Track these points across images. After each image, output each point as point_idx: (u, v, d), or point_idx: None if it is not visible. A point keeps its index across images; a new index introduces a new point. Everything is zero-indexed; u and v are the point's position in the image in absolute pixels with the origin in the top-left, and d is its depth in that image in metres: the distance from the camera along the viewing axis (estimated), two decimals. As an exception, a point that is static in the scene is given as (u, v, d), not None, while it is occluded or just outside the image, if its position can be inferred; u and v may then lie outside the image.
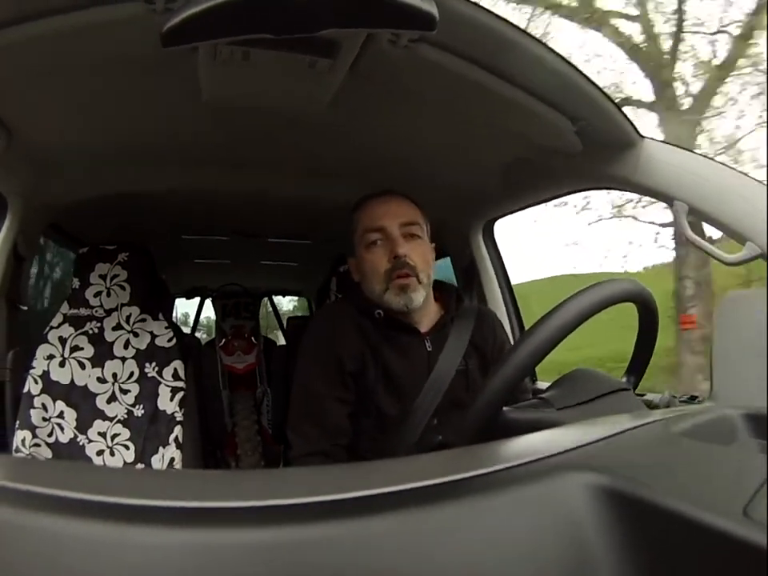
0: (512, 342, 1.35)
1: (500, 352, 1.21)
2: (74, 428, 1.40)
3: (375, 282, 1.13)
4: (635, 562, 0.32)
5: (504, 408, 0.70)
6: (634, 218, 7.25)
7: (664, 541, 0.32)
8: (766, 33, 5.80)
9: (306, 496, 0.31)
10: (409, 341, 1.16)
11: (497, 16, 0.83)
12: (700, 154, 1.08)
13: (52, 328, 1.47)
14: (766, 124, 6.33)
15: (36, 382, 1.40)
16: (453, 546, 0.30)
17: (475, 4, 0.80)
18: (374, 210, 1.16)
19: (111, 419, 1.43)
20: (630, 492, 0.34)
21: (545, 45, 0.89)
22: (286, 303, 7.94)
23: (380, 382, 1.12)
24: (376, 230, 1.13)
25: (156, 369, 1.47)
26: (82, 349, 1.46)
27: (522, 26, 0.88)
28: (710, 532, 0.29)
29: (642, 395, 1.25)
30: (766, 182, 1.00)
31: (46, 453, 1.36)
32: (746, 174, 1.02)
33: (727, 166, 1.04)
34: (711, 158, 1.06)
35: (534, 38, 0.88)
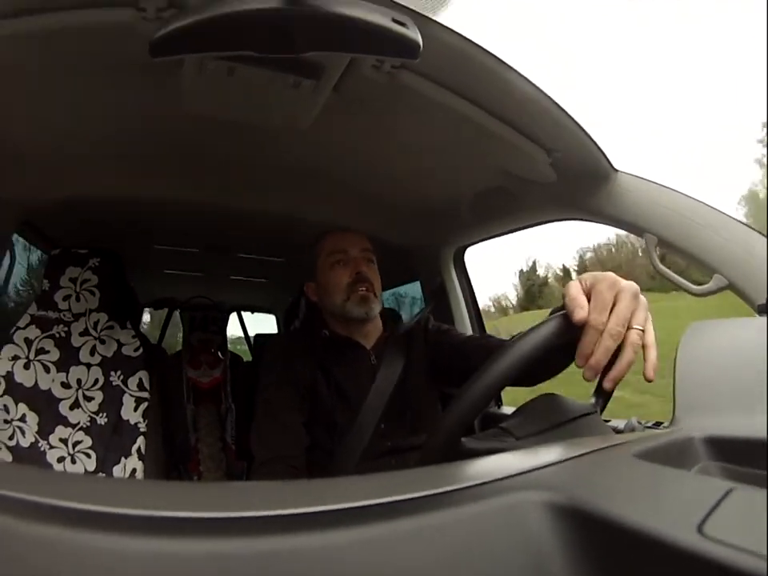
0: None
1: (442, 338, 1.35)
2: (36, 432, 1.36)
3: (337, 295, 1.28)
4: None
5: (463, 439, 0.71)
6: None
7: (620, 556, 0.32)
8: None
9: (272, 509, 0.31)
10: (355, 356, 1.30)
11: (479, 47, 0.86)
12: (671, 188, 1.12)
13: (18, 329, 1.44)
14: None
15: None
16: (412, 563, 0.31)
17: (458, 34, 0.83)
18: (339, 239, 1.34)
19: (74, 426, 1.40)
20: (588, 510, 0.34)
21: (524, 77, 0.92)
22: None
23: (331, 394, 1.25)
24: (340, 251, 1.31)
25: (121, 377, 1.46)
26: (48, 352, 1.43)
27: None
28: (665, 547, 0.30)
29: (607, 421, 1.25)
30: (737, 217, 1.05)
31: (6, 456, 1.32)
32: (715, 208, 1.06)
33: (697, 199, 1.09)
34: (682, 192, 1.10)
35: (514, 69, 0.91)
